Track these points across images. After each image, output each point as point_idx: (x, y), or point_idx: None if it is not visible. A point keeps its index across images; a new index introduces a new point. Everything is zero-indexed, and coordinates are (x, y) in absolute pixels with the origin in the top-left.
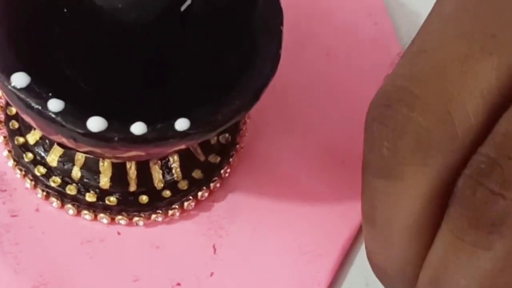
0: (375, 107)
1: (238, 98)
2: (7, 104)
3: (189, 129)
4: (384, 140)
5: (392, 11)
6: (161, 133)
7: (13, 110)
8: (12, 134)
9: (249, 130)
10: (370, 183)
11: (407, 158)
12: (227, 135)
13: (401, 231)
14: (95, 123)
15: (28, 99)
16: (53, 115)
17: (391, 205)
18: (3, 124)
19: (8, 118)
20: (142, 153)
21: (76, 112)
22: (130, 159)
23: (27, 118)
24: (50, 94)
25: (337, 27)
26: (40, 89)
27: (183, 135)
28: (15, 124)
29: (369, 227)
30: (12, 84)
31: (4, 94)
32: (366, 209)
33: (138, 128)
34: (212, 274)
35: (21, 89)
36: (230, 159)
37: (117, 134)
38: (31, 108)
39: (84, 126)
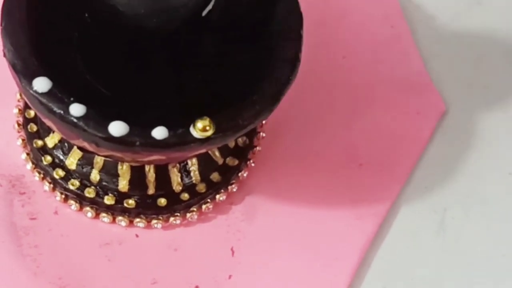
0: None
1: (259, 102)
2: (26, 107)
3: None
4: None
5: (408, 14)
6: (182, 137)
7: (32, 113)
8: (30, 137)
9: (266, 133)
10: None
11: None
12: (244, 138)
13: None
14: (117, 128)
15: (50, 104)
16: (75, 120)
17: None
18: (21, 127)
19: (27, 121)
20: (163, 157)
21: (98, 117)
22: (150, 162)
23: (49, 122)
24: (71, 99)
25: (353, 30)
26: (61, 93)
27: (204, 139)
28: (33, 127)
29: None
30: (34, 89)
31: (25, 98)
32: None
33: (159, 132)
34: (230, 276)
35: (43, 94)
36: (248, 162)
37: (138, 139)
38: (53, 112)
39: (105, 130)
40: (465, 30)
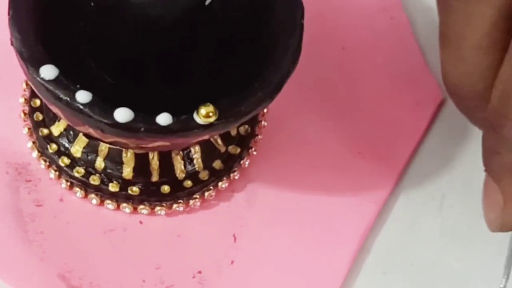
0: None
1: (261, 90)
2: (31, 97)
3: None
4: None
5: (408, 5)
6: (185, 123)
7: (37, 102)
8: (36, 125)
9: (268, 122)
10: (445, 2)
11: None
12: (246, 126)
13: (473, 48)
14: (122, 114)
15: (56, 91)
16: (81, 106)
17: (463, 22)
18: (27, 116)
19: (33, 110)
20: (167, 143)
21: (103, 104)
22: (154, 149)
23: (55, 110)
24: (77, 86)
25: (353, 21)
26: (68, 81)
27: (207, 125)
28: (39, 116)
29: (445, 46)
30: (41, 76)
31: (32, 86)
32: (442, 28)
33: (163, 119)
34: (232, 262)
35: (49, 81)
36: (250, 150)
37: (143, 125)
38: (60, 99)
39: (111, 117)
40: None
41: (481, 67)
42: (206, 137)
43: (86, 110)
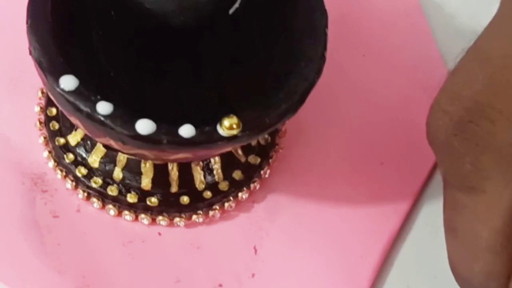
0: (456, 122)
1: (285, 101)
2: (47, 105)
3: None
4: (467, 155)
5: (428, 12)
6: (208, 135)
7: (53, 111)
8: (52, 135)
9: (288, 132)
10: (451, 196)
11: (489, 173)
12: (267, 136)
13: (485, 246)
14: (144, 126)
15: (77, 102)
16: (102, 118)
17: (474, 219)
18: (43, 125)
19: (49, 119)
20: (189, 155)
21: (125, 115)
22: (175, 160)
23: (75, 121)
24: (98, 97)
25: (373, 29)
26: (88, 92)
27: (231, 137)
28: (55, 125)
29: (451, 239)
30: (61, 87)
31: (51, 96)
32: (447, 220)
33: (186, 131)
34: (253, 275)
35: (69, 92)
36: (270, 160)
37: (165, 137)
38: (80, 111)
39: (133, 129)
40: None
41: (494, 266)
42: (229, 149)
43: (108, 122)
